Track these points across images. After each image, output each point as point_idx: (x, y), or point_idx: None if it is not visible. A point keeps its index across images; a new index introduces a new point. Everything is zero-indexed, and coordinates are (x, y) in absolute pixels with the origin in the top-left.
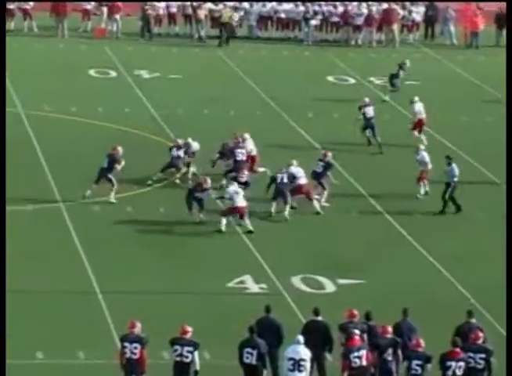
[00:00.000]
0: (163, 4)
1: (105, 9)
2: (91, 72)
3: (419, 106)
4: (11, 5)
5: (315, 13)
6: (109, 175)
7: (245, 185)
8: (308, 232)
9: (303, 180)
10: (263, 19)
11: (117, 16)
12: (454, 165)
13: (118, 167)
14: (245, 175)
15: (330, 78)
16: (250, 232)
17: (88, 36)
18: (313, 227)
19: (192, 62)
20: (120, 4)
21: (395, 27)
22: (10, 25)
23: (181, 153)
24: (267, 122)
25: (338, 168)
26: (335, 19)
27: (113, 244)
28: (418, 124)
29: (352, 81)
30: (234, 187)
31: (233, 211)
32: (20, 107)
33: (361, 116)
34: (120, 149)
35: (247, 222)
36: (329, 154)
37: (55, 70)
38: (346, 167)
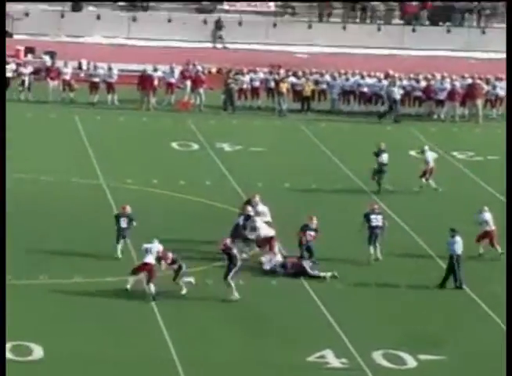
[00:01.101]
0: (247, 78)
1: (188, 83)
2: (174, 145)
3: (430, 155)
4: (96, 78)
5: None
6: (126, 233)
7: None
8: (389, 305)
9: None
10: (346, 93)
11: (201, 90)
12: None
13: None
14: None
15: (412, 153)
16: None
17: (171, 109)
18: (392, 300)
19: (274, 134)
20: (203, 77)
21: (479, 101)
22: (94, 98)
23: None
24: (348, 196)
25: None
26: (418, 93)
27: (191, 315)
28: (428, 172)
29: (435, 155)
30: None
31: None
32: (102, 179)
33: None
34: (128, 207)
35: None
36: None
37: (138, 142)
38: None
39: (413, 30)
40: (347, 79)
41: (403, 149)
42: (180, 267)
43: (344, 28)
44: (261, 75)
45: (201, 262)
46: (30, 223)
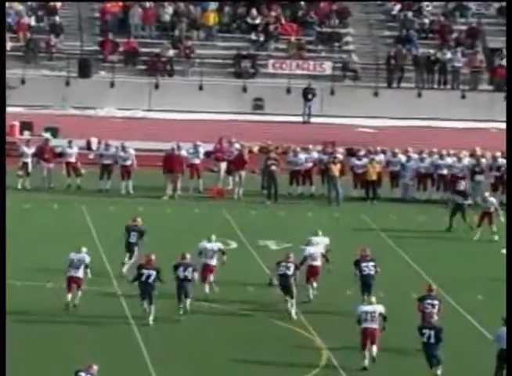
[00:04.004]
0: (299, 157)
1: (223, 165)
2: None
3: None
4: (108, 160)
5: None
6: (135, 248)
7: None
8: None
9: None
10: (421, 177)
11: (242, 173)
12: None
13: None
14: None
15: (504, 251)
16: None
17: (200, 197)
18: None
19: (331, 228)
20: (245, 157)
21: None
22: (106, 184)
23: None
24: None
25: None
26: None
27: None
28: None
29: None
30: None
31: None
32: (117, 286)
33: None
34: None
35: None
36: None
37: (161, 240)
38: None
39: (505, 98)
40: (421, 159)
41: (496, 248)
42: None
43: (419, 95)
44: (315, 155)
45: None
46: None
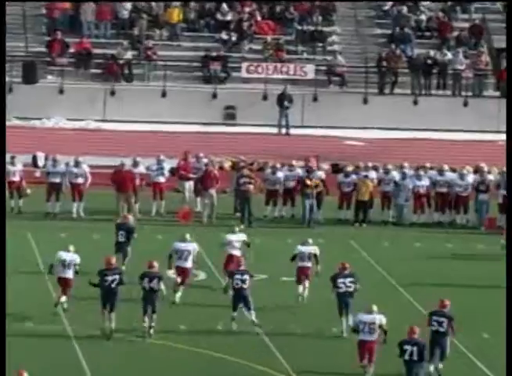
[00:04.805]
0: (277, 175)
1: (188, 184)
2: (171, 273)
3: None
4: (56, 179)
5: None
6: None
7: None
8: None
9: None
10: (418, 197)
11: (212, 192)
12: None
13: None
14: None
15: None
16: None
17: (164, 221)
18: None
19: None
20: (216, 173)
21: None
22: (55, 207)
23: None
24: None
25: None
26: None
27: None
28: None
29: None
30: None
31: None
32: (71, 330)
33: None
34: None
35: None
36: None
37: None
38: None
39: None
40: (418, 177)
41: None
42: None
43: (416, 103)
44: (300, 172)
45: None
46: None
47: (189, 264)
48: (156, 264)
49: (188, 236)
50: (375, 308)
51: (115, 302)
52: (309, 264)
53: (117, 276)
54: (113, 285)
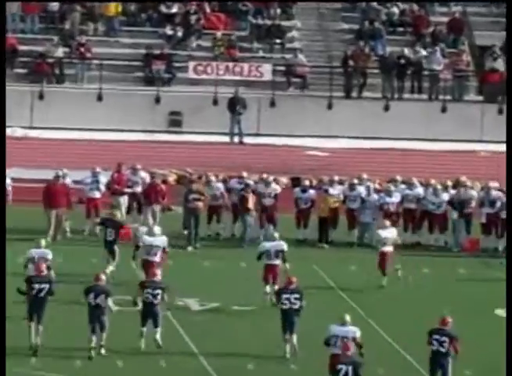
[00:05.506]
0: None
1: (122, 200)
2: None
3: None
4: None
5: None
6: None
7: None
8: None
9: None
10: (386, 215)
11: (156, 209)
12: None
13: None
14: None
15: (499, 311)
16: None
17: (97, 241)
18: None
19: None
20: (162, 187)
21: None
22: None
23: None
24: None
25: None
26: None
27: None
28: None
29: None
30: None
31: None
32: None
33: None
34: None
35: None
36: None
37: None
38: None
39: (499, 112)
40: (388, 192)
41: (489, 308)
42: None
43: (387, 108)
44: (253, 185)
45: None
46: None
47: (277, 262)
48: (103, 277)
49: (43, 241)
50: (348, 318)
51: (42, 314)
52: (277, 262)
53: (46, 285)
54: (40, 294)
